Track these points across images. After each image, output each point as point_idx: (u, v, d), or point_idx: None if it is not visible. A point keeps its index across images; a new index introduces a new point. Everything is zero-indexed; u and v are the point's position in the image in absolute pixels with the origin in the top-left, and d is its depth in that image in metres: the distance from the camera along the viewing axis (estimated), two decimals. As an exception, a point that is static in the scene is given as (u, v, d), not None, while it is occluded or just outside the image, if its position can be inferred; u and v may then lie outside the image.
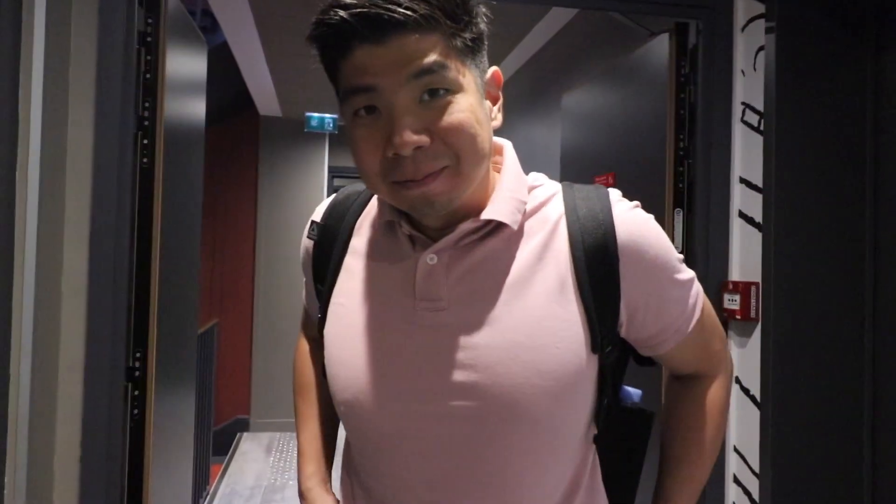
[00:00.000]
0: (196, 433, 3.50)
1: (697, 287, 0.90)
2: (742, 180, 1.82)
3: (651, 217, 0.86)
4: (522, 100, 3.92)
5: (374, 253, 0.87)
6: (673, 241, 1.88)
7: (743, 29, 1.83)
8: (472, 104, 0.75)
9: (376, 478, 0.87)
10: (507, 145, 0.89)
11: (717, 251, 1.85)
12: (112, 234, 1.59)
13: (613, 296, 0.82)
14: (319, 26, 0.71)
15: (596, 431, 0.89)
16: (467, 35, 0.75)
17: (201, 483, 3.90)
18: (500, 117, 0.83)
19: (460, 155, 0.74)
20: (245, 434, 5.49)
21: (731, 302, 1.80)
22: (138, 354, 1.68)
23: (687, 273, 0.88)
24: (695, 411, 0.95)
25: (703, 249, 1.85)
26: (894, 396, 1.62)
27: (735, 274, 1.84)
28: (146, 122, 1.67)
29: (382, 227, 0.87)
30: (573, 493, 0.87)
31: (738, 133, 1.84)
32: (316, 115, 5.06)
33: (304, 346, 1.11)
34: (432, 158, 0.73)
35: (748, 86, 1.81)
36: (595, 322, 0.81)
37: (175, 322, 1.94)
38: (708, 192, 1.85)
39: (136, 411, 1.68)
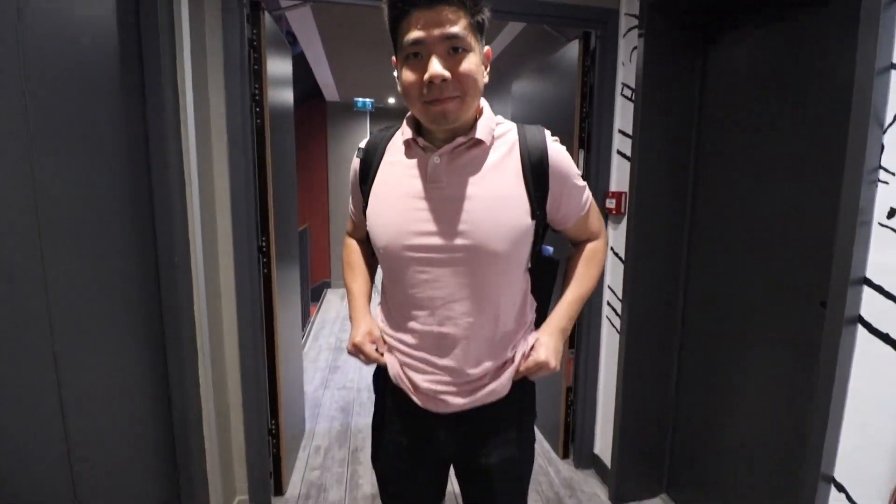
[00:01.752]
0: (301, 288, 3.58)
1: (588, 192, 0.90)
2: (620, 131, 1.77)
3: (564, 148, 0.85)
4: (489, 87, 3.74)
5: (399, 161, 0.84)
6: (578, 167, 1.87)
7: (624, 36, 1.72)
8: (476, 63, 0.75)
9: (402, 300, 0.86)
10: (485, 101, 0.86)
11: (604, 174, 1.83)
12: (243, 167, 1.54)
13: (544, 188, 0.82)
14: None
15: (529, 266, 0.89)
16: (479, 17, 0.74)
17: (306, 315, 3.99)
18: (486, 77, 0.80)
19: (466, 91, 0.74)
20: (328, 289, 5.57)
21: (611, 203, 1.79)
22: (263, 239, 1.67)
23: (582, 182, 0.88)
24: (581, 256, 0.94)
25: (595, 173, 1.83)
26: (701, 250, 1.65)
27: (613, 187, 1.82)
28: (257, 97, 1.60)
29: (404, 145, 0.84)
30: (524, 302, 0.88)
31: (619, 102, 1.77)
32: (360, 99, 4.85)
33: (350, 241, 1.05)
34: (450, 90, 0.73)
35: (626, 72, 1.73)
36: (534, 201, 0.81)
37: (284, 220, 1.92)
38: (599, 139, 1.81)
39: (265, 271, 1.70)
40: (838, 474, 1.00)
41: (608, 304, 1.89)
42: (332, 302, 5.04)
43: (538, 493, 1.91)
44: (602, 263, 0.95)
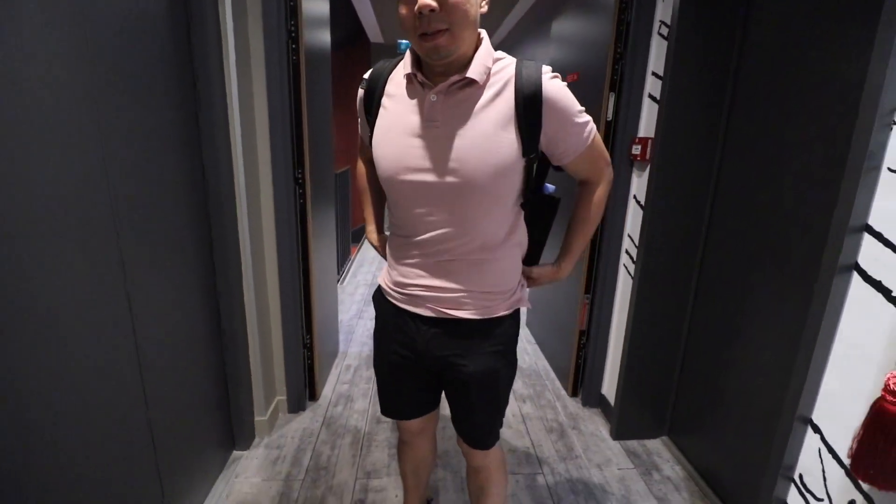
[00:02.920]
0: (341, 227, 3.72)
1: (592, 127, 0.89)
2: (654, 73, 1.70)
3: (565, 84, 0.85)
4: (531, 27, 3.58)
5: (400, 96, 0.88)
6: (606, 111, 1.82)
7: (668, -33, 1.61)
8: None
9: (402, 221, 0.93)
10: (485, 33, 0.88)
11: (633, 119, 1.78)
12: (279, 101, 1.64)
13: (536, 125, 0.83)
14: None
15: (522, 200, 0.93)
16: None
17: (345, 255, 4.14)
18: (486, 7, 0.82)
19: (455, 21, 0.76)
20: (370, 232, 5.77)
21: (636, 149, 1.76)
22: (299, 171, 1.79)
23: (585, 118, 0.87)
24: (585, 201, 0.97)
25: (624, 118, 1.78)
26: (726, 203, 1.60)
27: (642, 132, 1.77)
28: (293, 33, 1.65)
29: (405, 79, 0.88)
30: (511, 233, 0.93)
31: (655, 42, 1.68)
32: (403, 41, 4.75)
33: (361, 165, 1.11)
34: (437, 21, 0.75)
35: (664, 8, 1.62)
36: (525, 139, 0.83)
37: (319, 158, 2.01)
38: (631, 81, 1.74)
39: (301, 201, 1.83)
40: (816, 416, 1.03)
41: (626, 251, 1.90)
42: (374, 243, 5.24)
43: (543, 423, 2.04)
44: (602, 209, 0.99)
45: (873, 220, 0.89)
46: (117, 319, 1.02)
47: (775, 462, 1.08)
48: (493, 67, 0.85)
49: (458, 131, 0.82)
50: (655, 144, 1.62)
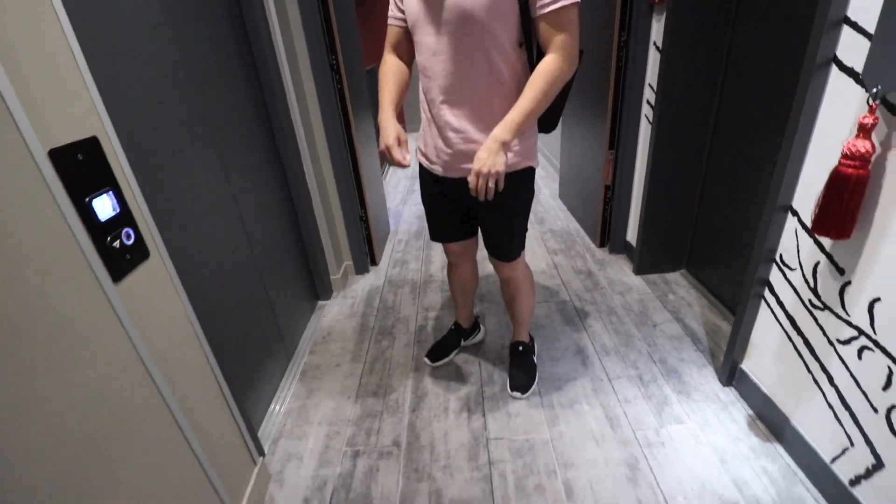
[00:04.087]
0: (375, 127, 3.86)
1: (573, 7, 0.95)
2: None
3: None
4: None
5: None
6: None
7: None
8: None
9: (426, 77, 1.10)
10: None
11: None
12: (310, 8, 1.76)
13: None
14: None
15: (522, 41, 1.03)
16: None
17: (383, 155, 4.37)
18: None
19: None
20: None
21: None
22: (333, 57, 1.94)
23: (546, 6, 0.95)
24: (538, 68, 1.00)
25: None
26: (743, 45, 1.62)
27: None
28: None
29: None
30: (515, 81, 1.07)
31: None
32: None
33: (386, 57, 1.20)
34: None
35: None
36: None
37: (348, 48, 2.12)
38: (638, 26, 1.69)
39: (339, 85, 2.01)
40: (795, 202, 1.20)
41: (647, 101, 1.97)
42: (409, 144, 5.39)
43: (573, 268, 2.32)
44: (550, 84, 0.98)
45: (851, 11, 0.97)
46: (230, 209, 1.34)
47: (759, 247, 1.29)
48: None
49: None
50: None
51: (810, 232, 1.15)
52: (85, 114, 0.70)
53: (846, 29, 0.99)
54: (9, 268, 0.55)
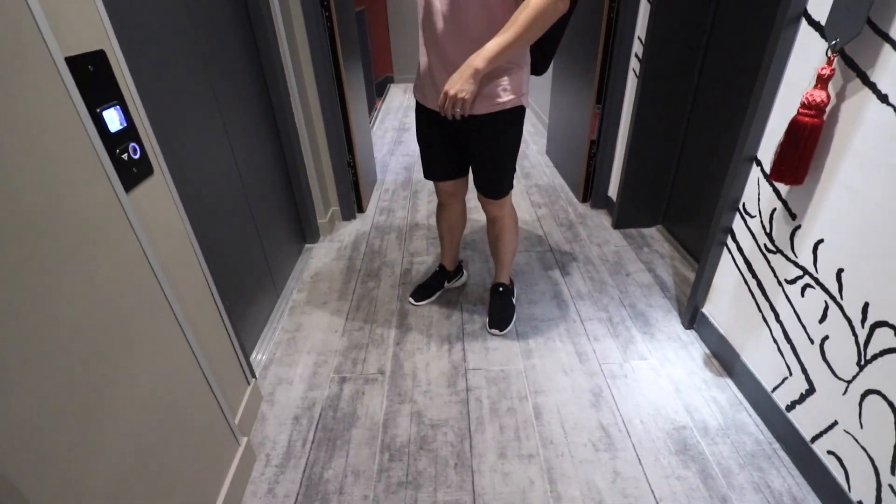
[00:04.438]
0: (364, 77, 3.81)
1: None
2: None
3: None
4: None
5: None
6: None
7: None
8: None
9: (427, 16, 1.16)
10: None
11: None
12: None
13: None
14: None
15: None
16: None
17: (371, 105, 4.31)
18: None
19: None
20: (391, 84, 5.79)
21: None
22: (327, 13, 1.93)
23: None
24: (525, 2, 1.04)
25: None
26: (721, 24, 1.67)
27: None
28: None
29: None
30: (508, 15, 1.11)
31: None
32: None
33: None
34: None
35: None
36: None
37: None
38: None
39: (328, 24, 1.99)
40: (760, 153, 1.30)
41: (636, 55, 2.03)
42: (395, 95, 5.34)
43: (555, 220, 2.43)
44: (538, 15, 1.01)
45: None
46: (222, 140, 1.37)
47: (725, 196, 1.40)
48: None
49: None
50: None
51: (770, 181, 1.26)
52: (93, 27, 0.74)
53: (818, -15, 1.06)
54: (39, 166, 0.62)
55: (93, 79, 0.73)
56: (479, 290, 1.92)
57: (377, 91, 5.09)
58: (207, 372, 1.03)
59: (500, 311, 1.70)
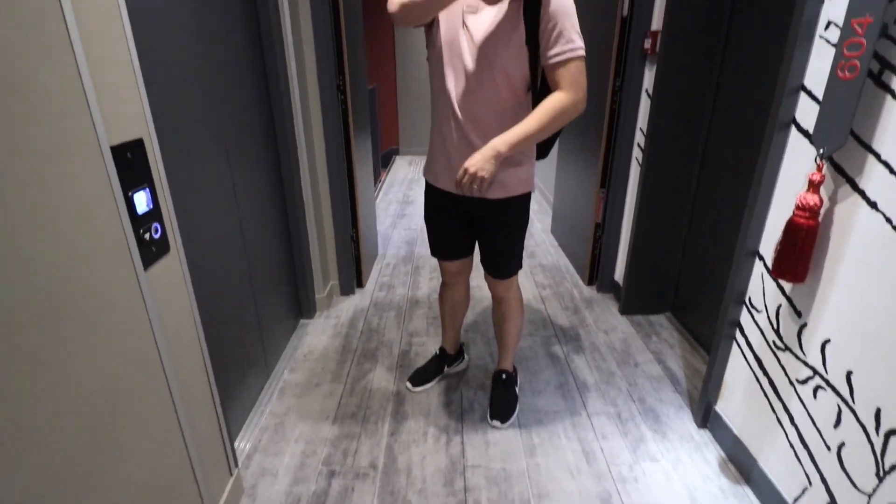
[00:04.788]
0: (371, 149, 4.12)
1: (579, 60, 1.17)
2: (666, -34, 1.93)
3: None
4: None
5: None
6: (622, 7, 2.07)
7: None
8: None
9: (445, 98, 1.30)
10: None
11: (646, 14, 2.02)
12: (321, 16, 1.99)
13: (537, 20, 1.18)
14: None
15: (529, 86, 1.27)
16: None
17: (377, 175, 4.60)
18: None
19: None
20: (396, 156, 6.16)
21: (647, 43, 2.03)
22: (340, 77, 2.16)
23: (575, 44, 1.16)
24: (545, 101, 1.19)
25: (639, 13, 2.03)
26: (728, 93, 1.88)
27: (654, 26, 2.03)
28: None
29: None
30: (518, 109, 1.30)
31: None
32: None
33: None
34: None
35: None
36: (528, 30, 1.19)
37: (354, 68, 2.36)
38: (632, 73, 1.98)
39: (343, 107, 2.22)
40: (762, 247, 1.41)
41: (638, 144, 2.22)
42: (400, 167, 5.66)
43: (560, 303, 2.50)
44: (558, 114, 1.16)
45: (807, 80, 1.21)
46: (233, 224, 1.50)
47: (731, 290, 1.48)
48: None
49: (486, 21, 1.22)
50: (662, 35, 1.89)
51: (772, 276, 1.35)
52: (136, 117, 0.87)
53: (803, 96, 1.23)
54: (71, 249, 0.70)
55: (130, 165, 0.84)
56: (481, 375, 1.94)
57: (383, 162, 5.42)
58: (194, 460, 1.04)
59: (503, 401, 1.71)
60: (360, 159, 2.51)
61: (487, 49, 1.21)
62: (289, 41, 1.89)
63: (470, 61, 1.23)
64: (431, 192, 1.50)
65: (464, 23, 1.22)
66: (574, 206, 2.84)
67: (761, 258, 1.41)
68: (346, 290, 2.53)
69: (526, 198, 1.44)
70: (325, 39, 2.02)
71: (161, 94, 1.08)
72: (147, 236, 0.88)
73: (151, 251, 0.90)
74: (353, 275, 2.54)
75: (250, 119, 1.68)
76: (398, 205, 4.19)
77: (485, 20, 1.20)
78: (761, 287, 1.41)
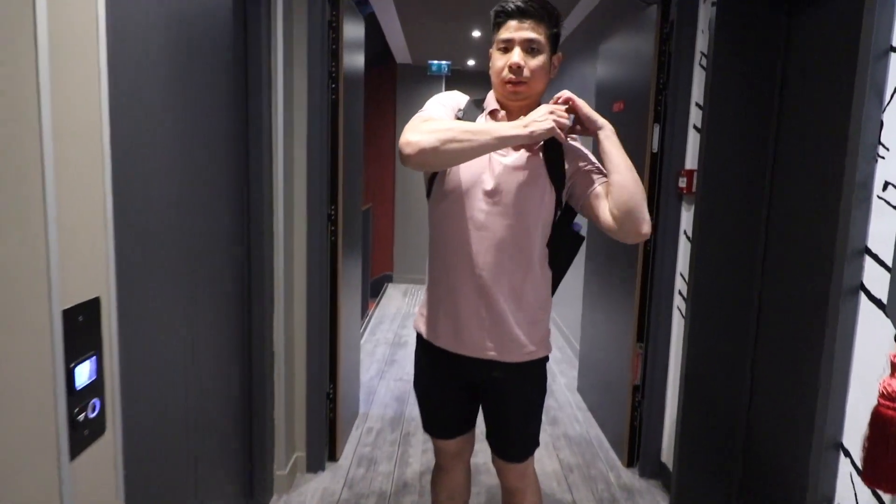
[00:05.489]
0: (363, 285, 4.26)
1: (601, 185, 1.35)
2: (697, 105, 2.18)
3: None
4: (578, 46, 4.21)
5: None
6: (651, 143, 2.30)
7: (704, 1, 2.14)
8: (545, 61, 1.34)
9: (458, 246, 1.38)
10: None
11: (678, 150, 2.25)
12: (318, 138, 2.21)
13: (561, 168, 1.36)
14: (501, 6, 1.33)
15: (547, 237, 1.39)
16: (555, 30, 1.35)
17: (363, 310, 4.65)
18: (554, 73, 1.40)
19: (533, 78, 1.33)
20: (389, 284, 6.31)
21: (682, 181, 2.21)
22: (332, 207, 2.33)
23: (601, 179, 1.35)
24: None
25: (670, 148, 2.26)
26: (781, 235, 2.00)
27: (688, 165, 2.23)
28: (333, 73, 2.25)
29: (487, 115, 1.42)
30: (541, 261, 1.40)
31: (697, 74, 2.19)
32: (435, 62, 5.52)
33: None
34: (521, 74, 1.32)
35: (705, 41, 2.13)
36: (552, 178, 1.35)
37: (350, 194, 2.55)
38: (675, 112, 2.23)
39: (333, 238, 2.35)
40: (845, 439, 1.38)
41: (679, 292, 2.30)
42: (393, 298, 5.77)
43: (592, 492, 2.37)
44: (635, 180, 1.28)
45: (871, 243, 1.30)
46: (187, 374, 1.53)
47: (812, 494, 1.42)
48: None
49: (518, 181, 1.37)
50: (698, 175, 2.07)
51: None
52: (98, 273, 0.92)
53: (869, 260, 1.31)
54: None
55: (79, 330, 0.87)
56: None
57: (372, 291, 5.54)
58: None
59: None
60: (348, 295, 2.58)
61: (519, 197, 1.34)
62: (279, 173, 2.07)
63: (499, 210, 1.35)
64: (426, 353, 1.52)
65: (490, 166, 1.35)
66: (606, 362, 2.84)
67: (847, 454, 1.37)
68: (315, 466, 2.42)
69: (543, 363, 1.47)
70: (319, 168, 2.22)
71: (129, 243, 1.16)
72: (82, 417, 0.88)
73: (83, 435, 0.89)
74: (325, 444, 2.46)
75: (222, 262, 1.77)
76: (387, 347, 4.19)
77: (514, 165, 1.35)
78: (852, 492, 1.35)
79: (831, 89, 1.73)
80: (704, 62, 2.14)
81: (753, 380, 2.13)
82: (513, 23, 1.31)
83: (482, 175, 1.36)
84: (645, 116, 2.35)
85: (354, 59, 2.58)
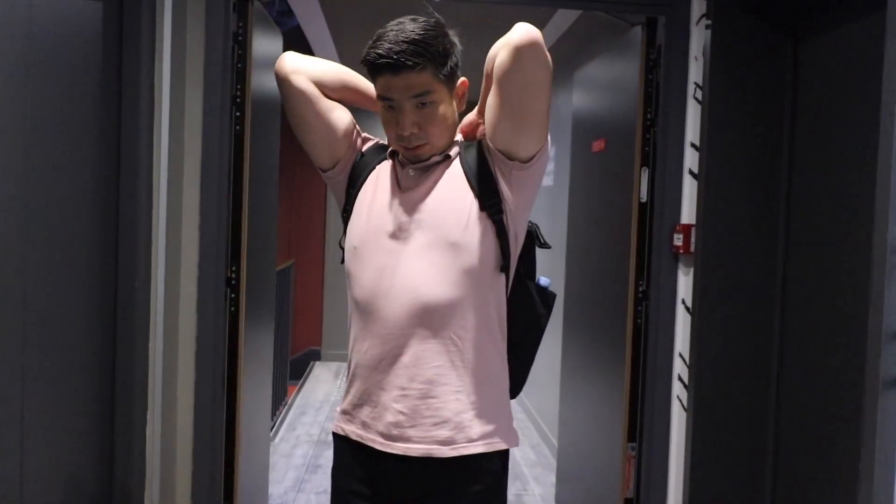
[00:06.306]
0: (276, 353, 4.13)
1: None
2: (692, 145, 2.23)
3: None
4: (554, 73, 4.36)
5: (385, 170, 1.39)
6: (639, 191, 2.32)
7: (697, 23, 2.22)
8: (444, 109, 1.30)
9: (374, 310, 1.33)
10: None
11: (672, 201, 2.27)
12: (215, 179, 2.13)
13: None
14: (366, 57, 1.26)
15: (501, 265, 1.33)
16: (445, 69, 1.28)
17: (279, 397, 4.50)
18: (463, 105, 1.37)
19: (433, 137, 1.30)
20: (316, 362, 6.15)
21: (678, 239, 2.22)
22: (234, 269, 2.23)
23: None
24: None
25: (661, 200, 2.27)
26: (800, 302, 2.01)
27: (685, 218, 2.25)
28: (238, 99, 2.20)
29: (390, 156, 1.40)
30: (496, 308, 1.33)
31: (691, 108, 2.24)
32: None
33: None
34: (417, 139, 1.28)
35: (699, 68, 2.20)
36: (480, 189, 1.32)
37: (260, 246, 2.46)
38: (665, 154, 2.27)
39: (233, 308, 2.23)
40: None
41: (679, 377, 2.28)
42: (321, 379, 5.62)
43: None
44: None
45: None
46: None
47: None
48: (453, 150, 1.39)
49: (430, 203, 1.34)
50: (697, 231, 2.09)
51: None
52: None
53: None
54: None
55: None
56: None
57: (293, 372, 5.35)
58: None
59: None
60: (254, 381, 2.46)
61: (437, 224, 1.31)
62: (160, 226, 1.99)
63: (413, 242, 1.31)
64: (344, 457, 1.41)
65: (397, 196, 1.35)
66: (589, 466, 2.77)
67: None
68: None
69: (499, 461, 1.36)
70: (216, 218, 2.14)
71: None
72: None
73: None
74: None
75: (72, 351, 1.68)
76: (310, 447, 4.02)
77: (425, 188, 1.33)
78: None
79: (850, 125, 1.79)
80: (699, 94, 2.20)
81: (775, 491, 2.09)
82: (388, 78, 1.26)
83: (389, 206, 1.35)
84: (630, 158, 2.37)
85: (268, 81, 2.55)
